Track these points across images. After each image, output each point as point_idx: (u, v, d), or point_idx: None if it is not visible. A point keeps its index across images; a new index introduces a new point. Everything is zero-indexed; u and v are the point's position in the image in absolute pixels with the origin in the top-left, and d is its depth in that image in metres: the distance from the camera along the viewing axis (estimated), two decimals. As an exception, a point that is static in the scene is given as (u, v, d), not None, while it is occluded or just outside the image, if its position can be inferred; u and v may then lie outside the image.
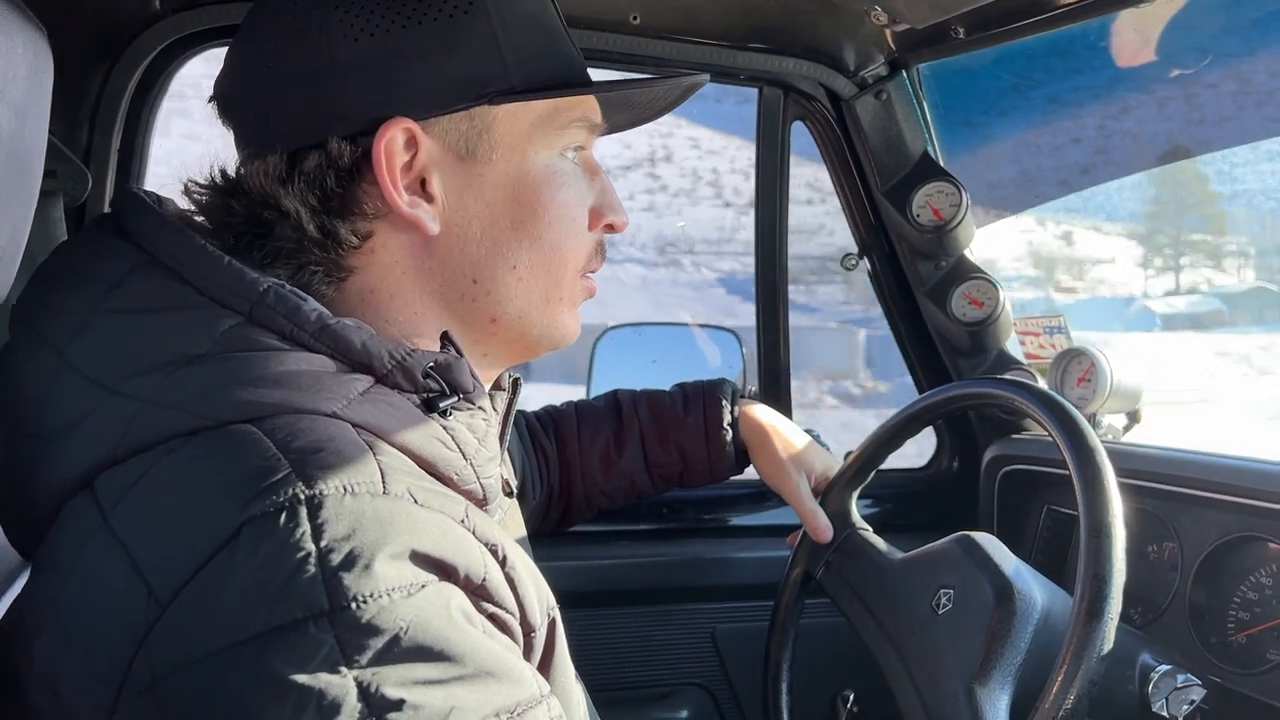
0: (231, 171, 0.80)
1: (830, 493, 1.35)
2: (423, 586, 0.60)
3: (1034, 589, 1.10)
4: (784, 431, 1.40)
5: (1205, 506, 1.32)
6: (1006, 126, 1.77)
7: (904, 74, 1.55)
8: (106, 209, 1.31)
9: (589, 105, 0.86)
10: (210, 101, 0.82)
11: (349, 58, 0.75)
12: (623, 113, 0.93)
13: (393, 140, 0.76)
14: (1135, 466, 1.40)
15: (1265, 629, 1.24)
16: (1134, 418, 1.60)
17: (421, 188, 0.79)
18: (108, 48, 1.28)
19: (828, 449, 1.48)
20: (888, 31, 1.43)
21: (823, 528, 1.32)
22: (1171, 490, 1.37)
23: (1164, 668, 1.14)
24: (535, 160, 0.82)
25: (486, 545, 0.67)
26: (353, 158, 0.76)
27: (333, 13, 0.76)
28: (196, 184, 0.80)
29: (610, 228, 0.90)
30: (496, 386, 0.93)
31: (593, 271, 0.91)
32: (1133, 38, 1.53)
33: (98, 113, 1.30)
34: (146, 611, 0.57)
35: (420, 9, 0.76)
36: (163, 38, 1.30)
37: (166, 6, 1.27)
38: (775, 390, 1.77)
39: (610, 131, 0.93)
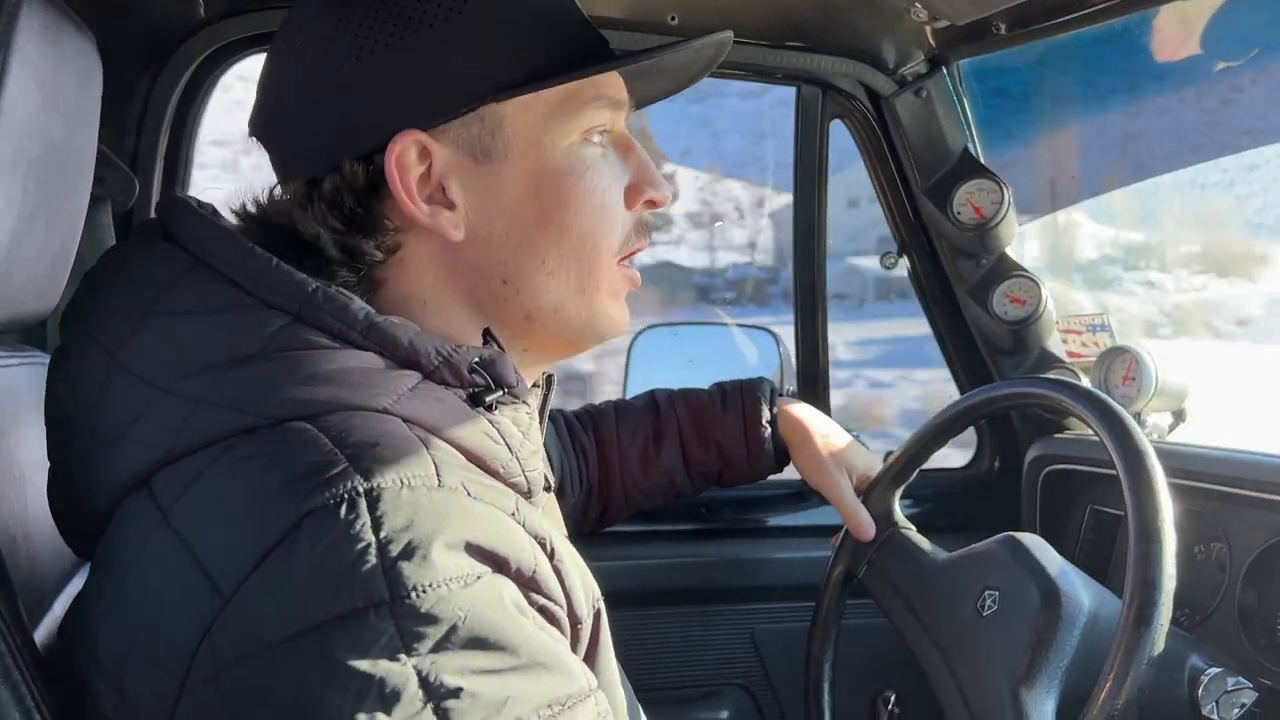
0: (263, 199, 0.81)
1: (873, 492, 1.34)
2: (478, 577, 0.61)
3: (1080, 591, 1.09)
4: (825, 430, 1.39)
5: (1254, 506, 1.30)
6: (1049, 123, 1.75)
7: (944, 71, 1.54)
8: (153, 214, 1.33)
9: (607, 83, 0.83)
10: (250, 136, 0.83)
11: (351, 78, 0.75)
12: (652, 83, 0.90)
13: (404, 154, 0.76)
14: (1182, 466, 1.38)
15: (1318, 631, 1.22)
16: (1180, 416, 1.58)
17: (441, 194, 0.79)
18: (154, 54, 1.30)
19: (867, 449, 1.46)
20: (927, 28, 1.42)
21: (865, 525, 1.32)
22: (1219, 490, 1.35)
23: (1214, 670, 1.13)
24: (554, 150, 0.81)
25: (536, 538, 0.68)
26: (367, 177, 0.77)
27: (334, 35, 0.76)
28: (229, 222, 0.80)
29: (651, 204, 0.88)
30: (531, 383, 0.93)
31: (637, 251, 0.89)
32: (1176, 31, 1.51)
33: (144, 119, 1.32)
34: (210, 604, 0.58)
35: (414, 19, 0.75)
36: (207, 44, 1.32)
37: (211, 13, 1.29)
38: (814, 390, 1.76)
39: (644, 104, 0.91)
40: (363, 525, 0.59)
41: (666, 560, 1.64)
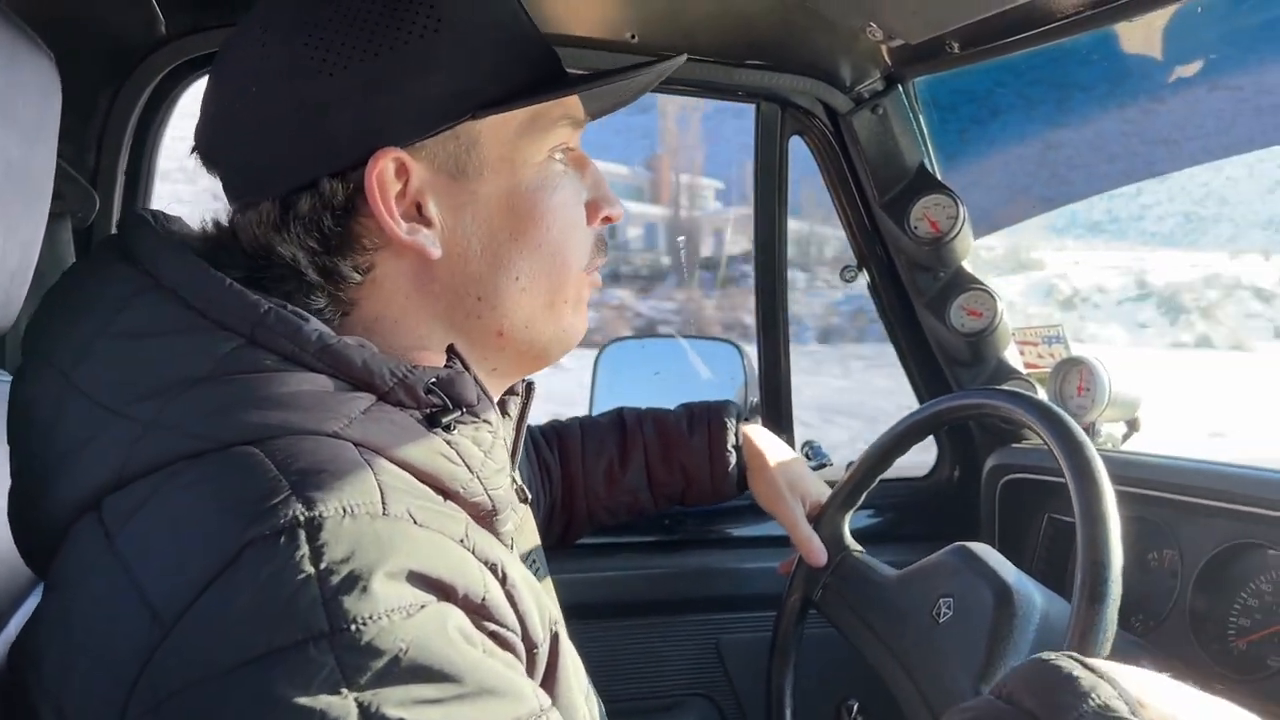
0: (225, 221, 0.80)
1: (823, 517, 1.36)
2: (422, 607, 0.60)
3: (1033, 591, 1.11)
4: (781, 456, 1.41)
5: (1204, 514, 1.33)
6: (1002, 139, 1.78)
7: (900, 88, 1.56)
8: (114, 230, 1.33)
9: (570, 102, 0.85)
10: (192, 153, 0.82)
11: (326, 94, 0.74)
12: (603, 101, 0.92)
13: (384, 171, 0.75)
14: (1134, 475, 1.41)
15: (1265, 635, 1.24)
16: (1133, 426, 1.61)
17: (418, 212, 0.79)
18: (115, 71, 1.30)
19: (828, 459, 1.48)
20: (883, 47, 1.44)
21: (818, 552, 1.33)
22: (1171, 498, 1.37)
23: (1164, 676, 1.15)
24: (526, 168, 0.82)
25: (486, 564, 0.67)
26: (346, 194, 0.76)
27: (302, 51, 0.74)
28: (192, 238, 0.80)
29: (607, 219, 0.90)
30: (510, 391, 0.93)
31: (596, 268, 0.90)
32: (1136, 47, 1.54)
33: (105, 135, 1.31)
34: (150, 634, 0.58)
35: (390, 35, 0.75)
36: (169, 61, 1.31)
37: (173, 30, 1.29)
38: (776, 404, 1.78)
39: (591, 119, 0.92)
40: (302, 556, 0.58)
41: (630, 572, 1.64)
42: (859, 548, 1.35)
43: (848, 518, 1.36)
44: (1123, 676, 0.63)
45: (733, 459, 1.39)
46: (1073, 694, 0.61)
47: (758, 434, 1.43)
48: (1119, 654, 1.03)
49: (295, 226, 0.76)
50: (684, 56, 0.91)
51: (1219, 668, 1.25)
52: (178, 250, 0.74)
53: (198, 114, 0.82)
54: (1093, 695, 0.61)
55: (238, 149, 0.79)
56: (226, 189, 0.81)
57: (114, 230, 1.30)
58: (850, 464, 1.39)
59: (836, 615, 1.33)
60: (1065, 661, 0.64)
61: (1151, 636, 1.34)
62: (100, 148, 1.31)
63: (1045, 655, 0.66)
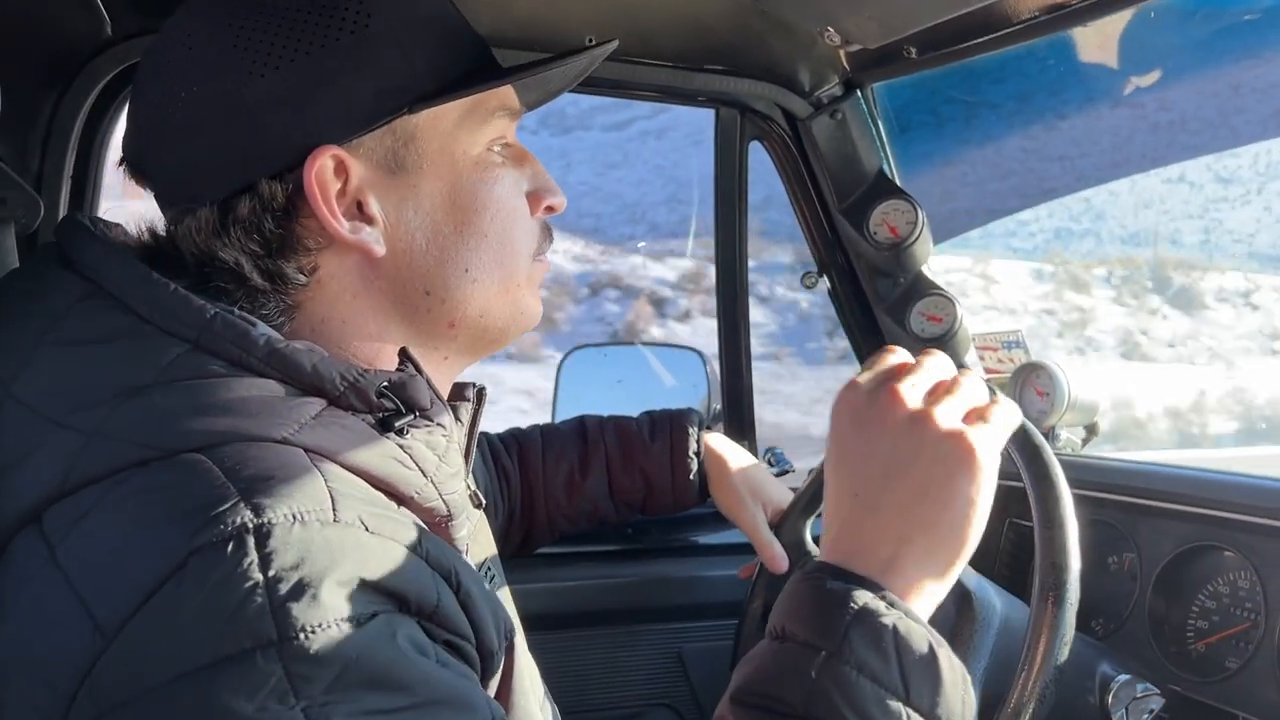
0: (161, 230, 0.79)
1: (784, 523, 1.35)
2: (372, 616, 0.60)
3: (993, 597, 1.11)
4: (741, 463, 1.40)
5: (1162, 517, 1.34)
6: (961, 144, 1.79)
7: (858, 94, 1.57)
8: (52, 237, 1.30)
9: (505, 93, 0.85)
10: (120, 165, 0.80)
11: (259, 94, 0.73)
12: (539, 90, 0.92)
13: (322, 169, 0.75)
14: (1093, 478, 1.42)
15: (1223, 637, 1.25)
16: (1092, 430, 1.62)
17: (359, 210, 0.78)
18: (59, 74, 1.27)
19: (790, 466, 1.47)
20: (841, 52, 1.45)
21: (778, 558, 1.32)
22: (1129, 501, 1.38)
23: (1123, 678, 1.15)
24: (465, 159, 0.82)
25: (440, 571, 0.67)
26: (285, 195, 0.75)
27: (231, 52, 0.74)
28: (132, 245, 0.78)
29: (550, 209, 0.90)
30: (460, 397, 0.92)
31: (544, 254, 0.90)
32: (1091, 53, 1.55)
33: (49, 139, 1.28)
34: (91, 645, 0.57)
35: (320, 33, 0.74)
36: (116, 64, 1.29)
37: (119, 32, 1.26)
38: (738, 410, 1.77)
39: (528, 109, 0.92)
40: (250, 563, 0.57)
41: (591, 581, 1.63)
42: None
43: (809, 524, 1.35)
44: (876, 571, 0.71)
45: (694, 466, 1.38)
46: (836, 609, 0.68)
47: (718, 441, 1.43)
48: (1080, 658, 1.04)
49: (236, 230, 0.75)
50: (614, 42, 0.91)
51: (1178, 670, 1.25)
52: (120, 256, 0.73)
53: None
54: (852, 603, 0.68)
55: (170, 155, 0.77)
56: (159, 198, 0.80)
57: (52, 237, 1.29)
58: (812, 470, 1.39)
59: None
60: (817, 579, 0.71)
61: (1112, 640, 1.34)
62: (45, 152, 1.28)
63: (801, 575, 0.73)
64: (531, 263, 0.88)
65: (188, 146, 0.76)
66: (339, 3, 0.75)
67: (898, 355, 0.80)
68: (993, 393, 0.81)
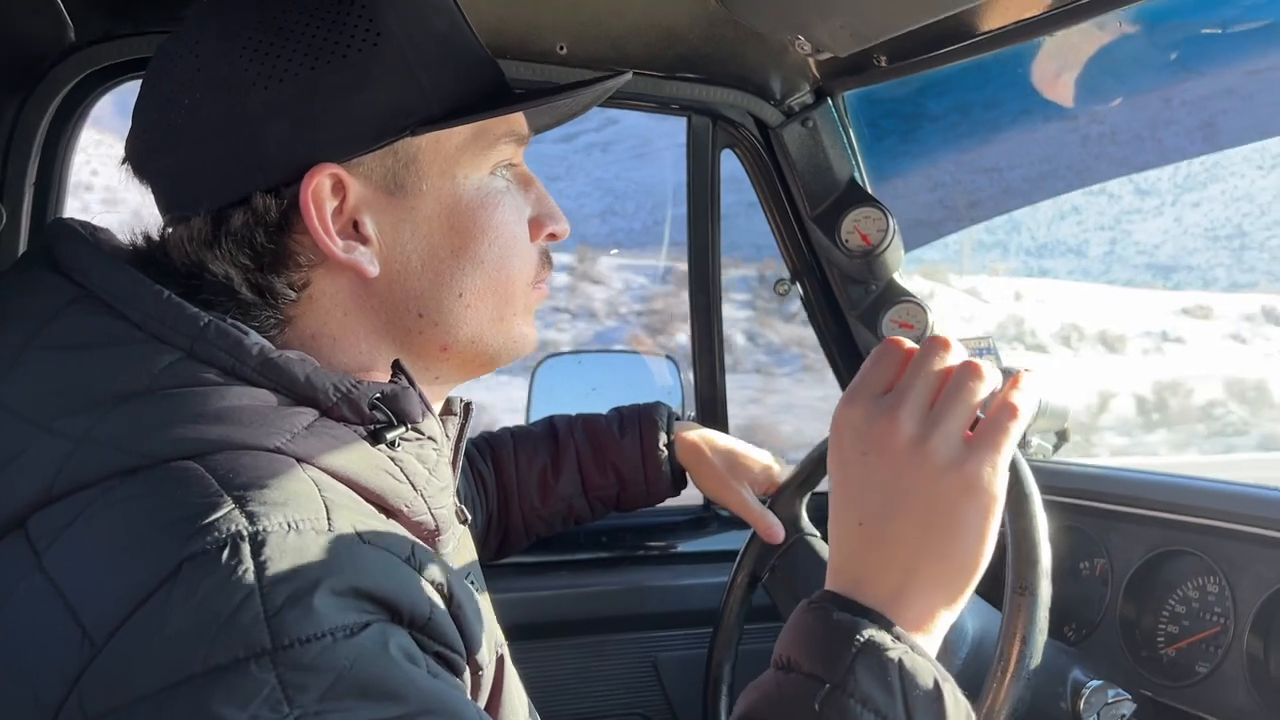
0: (155, 235, 0.78)
1: (780, 497, 1.34)
2: (366, 625, 0.59)
3: (965, 620, 1.11)
4: (720, 446, 1.40)
5: (1132, 522, 1.35)
6: (932, 152, 1.80)
7: (829, 102, 1.57)
8: (24, 243, 1.28)
9: (513, 119, 0.84)
10: (123, 164, 0.80)
11: (261, 107, 0.73)
12: (546, 118, 0.91)
13: (319, 187, 0.74)
14: (1064, 484, 1.43)
15: (1193, 642, 1.26)
16: (1063, 437, 1.62)
17: (354, 229, 0.77)
18: (21, 80, 1.25)
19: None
20: (811, 60, 1.45)
21: (774, 527, 1.30)
22: (1100, 507, 1.39)
23: (1095, 683, 1.16)
24: (466, 184, 0.81)
25: (433, 583, 0.67)
26: (280, 210, 0.74)
27: (237, 61, 0.73)
28: (122, 250, 0.77)
29: (552, 236, 0.89)
30: (448, 411, 0.91)
31: (543, 281, 0.89)
32: (1051, 65, 1.57)
33: (11, 146, 1.27)
34: (79, 654, 0.56)
35: (327, 48, 0.73)
36: (79, 70, 1.27)
37: (83, 38, 1.25)
38: (712, 415, 1.77)
39: (535, 134, 0.92)
40: (245, 571, 0.57)
41: (566, 590, 1.62)
42: (815, 531, 1.33)
43: (804, 500, 1.35)
44: (883, 603, 0.69)
45: (664, 456, 1.38)
46: (841, 641, 0.66)
47: (693, 431, 1.42)
48: (1052, 664, 1.04)
49: (227, 243, 0.74)
50: (629, 73, 0.90)
51: (1149, 675, 1.26)
52: (112, 261, 0.72)
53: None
54: (859, 636, 0.66)
55: (169, 159, 0.77)
56: (158, 200, 0.79)
57: (27, 240, 1.27)
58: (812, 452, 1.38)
59: (782, 600, 1.31)
60: (824, 610, 0.69)
61: (1084, 645, 1.35)
62: (7, 159, 1.26)
63: (807, 604, 0.71)
64: (529, 290, 0.87)
65: (186, 153, 0.75)
66: (349, 19, 0.74)
67: (891, 355, 0.75)
68: (1007, 375, 0.76)
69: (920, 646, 0.68)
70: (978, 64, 1.43)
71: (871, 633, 0.67)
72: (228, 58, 0.73)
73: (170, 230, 0.76)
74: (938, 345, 0.74)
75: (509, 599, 1.51)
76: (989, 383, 0.72)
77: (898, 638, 0.67)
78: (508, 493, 1.40)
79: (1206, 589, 1.26)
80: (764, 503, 1.35)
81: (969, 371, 0.72)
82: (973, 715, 0.69)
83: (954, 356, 0.73)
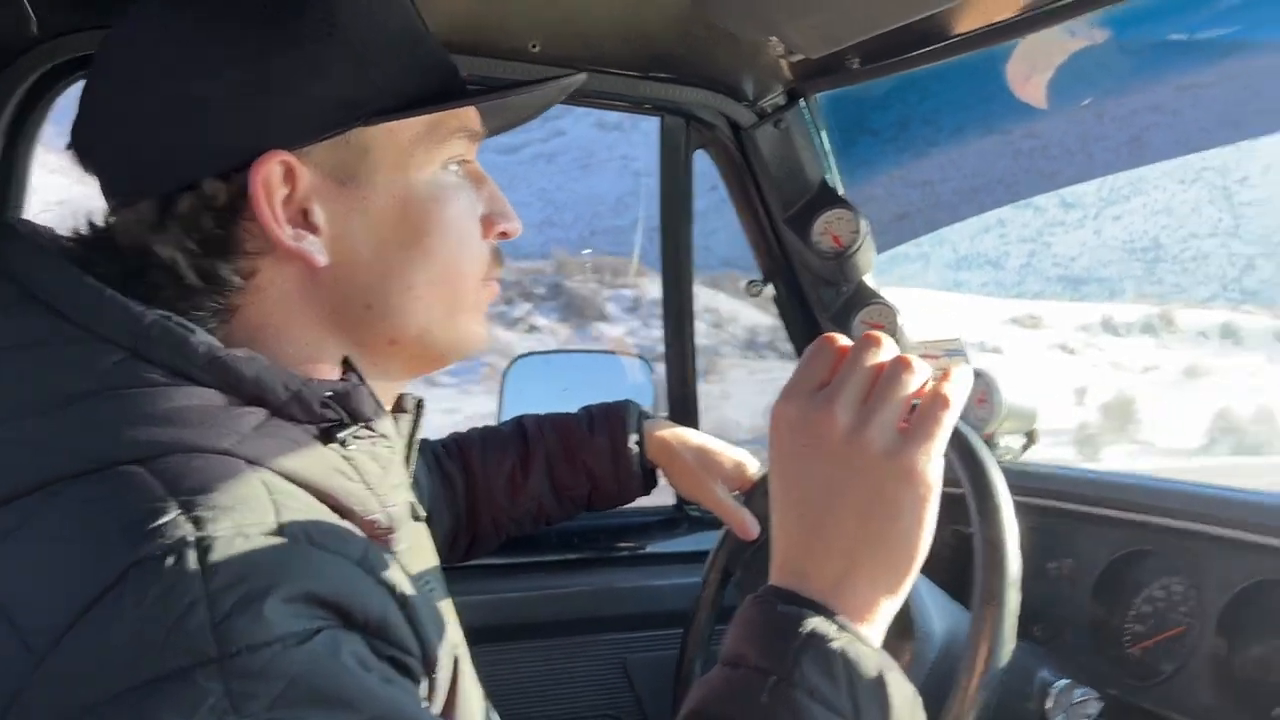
0: (100, 221, 0.77)
1: (754, 493, 1.34)
2: (316, 631, 0.58)
3: (934, 624, 1.11)
4: (691, 443, 1.39)
5: (1099, 523, 1.36)
6: (903, 154, 1.81)
7: (802, 103, 1.57)
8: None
9: (468, 114, 0.84)
10: (68, 149, 0.78)
11: (212, 93, 0.72)
12: (501, 117, 0.91)
13: (270, 174, 0.73)
14: (1032, 485, 1.44)
15: (1159, 641, 1.27)
16: (1031, 438, 1.64)
17: (304, 218, 0.76)
18: (-18, 73, 1.23)
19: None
20: (784, 61, 1.45)
21: (748, 522, 1.30)
22: (1068, 508, 1.40)
23: (1062, 682, 1.17)
24: (419, 177, 0.80)
25: (386, 586, 0.66)
26: (229, 196, 0.73)
27: (188, 48, 0.72)
28: (63, 237, 0.76)
29: (504, 234, 0.89)
30: (400, 409, 0.91)
31: (494, 279, 0.89)
32: (1023, 68, 1.58)
33: (-28, 140, 1.24)
34: (22, 664, 0.54)
35: (280, 36, 0.73)
36: (42, 62, 1.25)
37: (45, 31, 1.23)
38: (684, 415, 1.77)
39: (490, 135, 0.92)
40: (191, 577, 0.56)
41: (536, 592, 1.62)
42: None
43: None
44: (825, 593, 0.70)
45: (635, 454, 1.37)
46: (786, 633, 0.67)
47: (664, 429, 1.41)
48: (1019, 663, 1.05)
49: (174, 227, 0.73)
50: (583, 75, 0.91)
51: (1116, 674, 1.27)
52: (52, 259, 0.71)
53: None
54: (802, 627, 0.67)
55: (117, 144, 0.76)
56: (104, 187, 0.78)
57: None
58: None
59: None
60: (768, 603, 0.70)
61: (1053, 645, 1.36)
62: (-33, 154, 1.24)
63: (752, 599, 0.72)
64: (479, 286, 0.86)
65: (134, 139, 0.74)
66: (305, 8, 0.74)
67: (825, 353, 0.76)
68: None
69: (864, 636, 0.69)
70: (911, 78, 1.45)
71: (815, 623, 0.68)
72: (177, 43, 0.73)
73: (116, 215, 0.75)
74: (870, 342, 0.75)
75: (479, 601, 1.51)
76: (920, 375, 0.74)
77: (841, 627, 0.68)
78: (476, 492, 1.39)
79: (1172, 589, 1.27)
80: (738, 499, 1.34)
81: (900, 365, 0.74)
82: (918, 699, 0.71)
83: (886, 352, 0.75)
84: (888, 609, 0.72)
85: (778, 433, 0.75)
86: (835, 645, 0.67)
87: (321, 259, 0.77)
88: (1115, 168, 1.68)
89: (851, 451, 0.71)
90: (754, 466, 1.37)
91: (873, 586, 0.71)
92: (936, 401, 0.73)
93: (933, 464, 0.72)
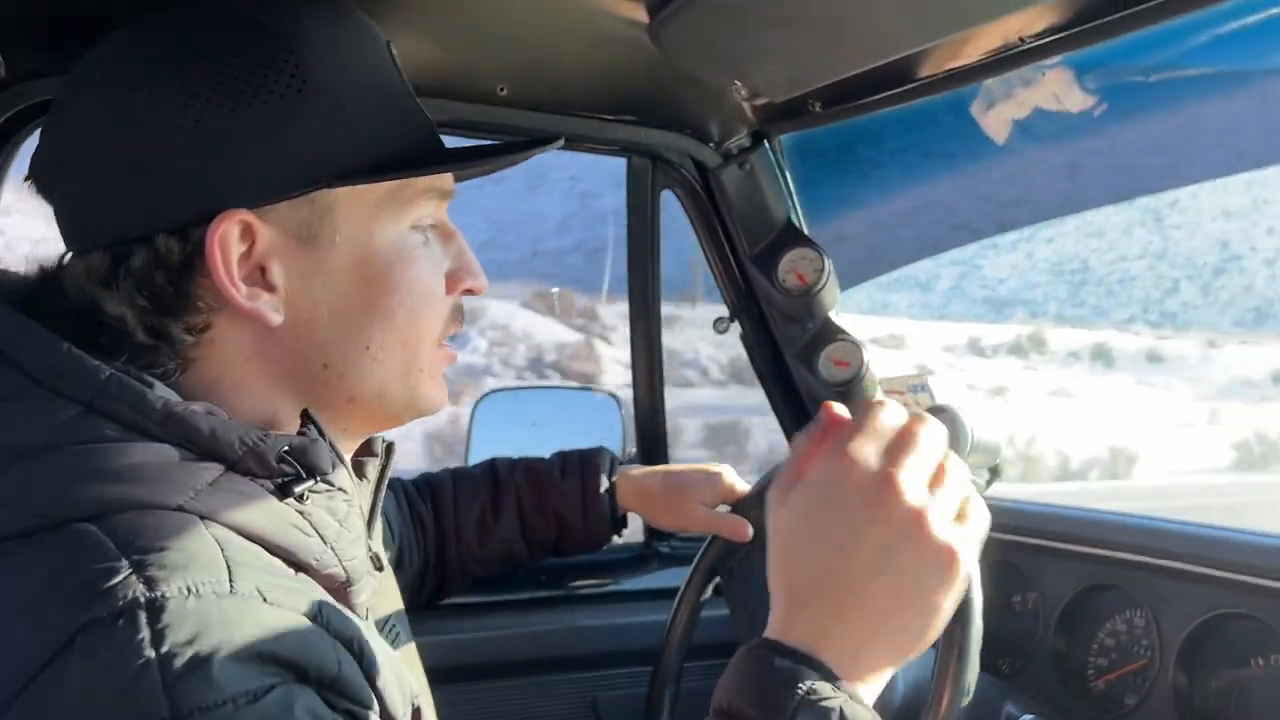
0: (52, 264, 0.75)
1: (747, 499, 1.32)
2: (270, 689, 0.58)
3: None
4: (662, 481, 1.39)
5: (1063, 557, 1.38)
6: (867, 194, 1.84)
7: (766, 144, 1.60)
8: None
9: (439, 175, 0.83)
10: (26, 180, 0.78)
11: (175, 146, 0.71)
12: (470, 170, 0.90)
13: (226, 234, 0.72)
14: (997, 520, 1.42)
15: (1122, 674, 1.29)
16: (995, 473, 1.65)
17: (261, 275, 0.75)
18: (-52, 116, 1.23)
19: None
20: (748, 105, 1.48)
21: (740, 525, 1.27)
22: (1031, 542, 1.42)
23: (1027, 717, 1.18)
24: (383, 238, 0.79)
25: (341, 639, 0.65)
26: (183, 253, 0.72)
27: (149, 100, 0.71)
28: (14, 284, 0.75)
29: (469, 291, 0.88)
30: (369, 452, 0.90)
31: (453, 336, 0.88)
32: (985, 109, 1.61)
33: (-63, 183, 1.24)
34: None
35: (249, 91, 0.72)
36: (9, 106, 1.24)
37: (13, 74, 1.22)
38: (654, 454, 1.78)
39: (459, 182, 0.91)
40: (142, 639, 0.55)
41: (504, 631, 1.61)
42: None
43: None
44: (821, 648, 0.68)
45: (606, 502, 1.37)
46: (781, 687, 0.66)
47: (635, 472, 1.42)
48: (985, 698, 1.06)
49: (125, 282, 0.71)
50: (561, 139, 0.91)
51: (1080, 707, 1.28)
52: (5, 310, 0.70)
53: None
54: (799, 683, 0.66)
55: (71, 189, 0.75)
56: (60, 225, 0.77)
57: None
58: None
59: (733, 604, 1.32)
60: (765, 656, 0.68)
61: (1018, 679, 1.37)
62: (-67, 197, 1.23)
63: (746, 651, 0.70)
64: (435, 348, 0.85)
65: (92, 181, 0.73)
66: (273, 66, 0.73)
67: (893, 415, 0.73)
68: (935, 412, 0.76)
69: (859, 695, 0.68)
70: (868, 122, 1.47)
71: (813, 683, 0.66)
72: (143, 95, 0.72)
73: (67, 263, 0.74)
74: (938, 429, 0.74)
75: (448, 640, 1.50)
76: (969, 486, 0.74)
77: (838, 686, 0.67)
78: (446, 534, 1.39)
79: (1134, 622, 1.29)
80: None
81: (957, 464, 0.73)
82: None
83: (941, 438, 0.74)
84: (886, 675, 0.71)
85: (837, 476, 0.71)
86: (831, 704, 0.65)
87: (277, 318, 0.75)
88: (1051, 189, 1.71)
89: (912, 530, 0.69)
90: (729, 474, 1.36)
91: (885, 656, 0.70)
92: (976, 502, 0.73)
93: (973, 562, 0.72)
